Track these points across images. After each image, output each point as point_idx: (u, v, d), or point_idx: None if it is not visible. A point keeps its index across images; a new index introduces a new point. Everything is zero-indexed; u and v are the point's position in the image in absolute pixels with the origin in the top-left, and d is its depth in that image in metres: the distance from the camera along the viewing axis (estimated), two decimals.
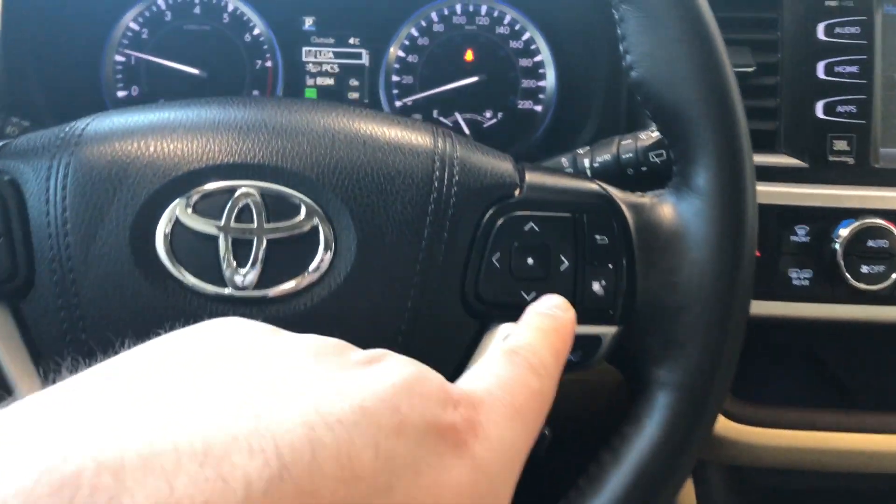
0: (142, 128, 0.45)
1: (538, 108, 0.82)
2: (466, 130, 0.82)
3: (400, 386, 0.25)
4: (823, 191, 0.69)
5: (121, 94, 0.81)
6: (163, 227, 0.42)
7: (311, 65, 0.81)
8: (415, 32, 0.81)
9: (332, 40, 0.81)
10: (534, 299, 0.44)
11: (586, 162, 0.58)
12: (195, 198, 0.42)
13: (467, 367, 0.43)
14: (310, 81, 0.82)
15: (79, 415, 0.20)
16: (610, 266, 0.44)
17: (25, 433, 0.19)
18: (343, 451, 0.21)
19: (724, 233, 0.44)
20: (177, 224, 0.42)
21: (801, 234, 0.69)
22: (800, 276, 0.69)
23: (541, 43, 0.81)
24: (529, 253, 0.44)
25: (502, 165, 0.46)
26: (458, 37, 0.82)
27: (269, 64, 0.81)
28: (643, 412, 0.45)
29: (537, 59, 0.81)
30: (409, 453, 0.23)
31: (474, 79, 0.81)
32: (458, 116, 0.82)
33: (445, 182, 0.44)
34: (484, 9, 0.81)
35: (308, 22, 0.81)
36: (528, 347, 0.33)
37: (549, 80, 0.81)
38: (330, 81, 0.82)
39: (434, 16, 0.81)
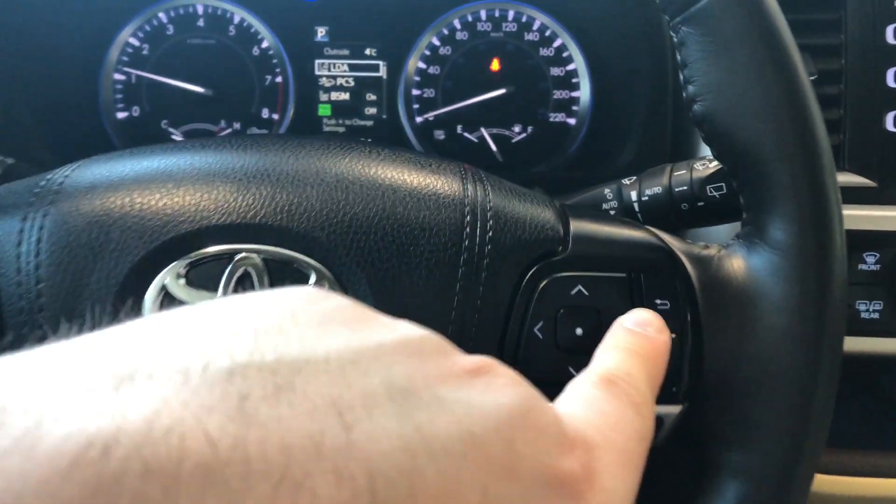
0: (127, 180, 0.39)
1: (572, 121, 0.75)
2: (493, 147, 0.75)
3: (515, 413, 0.21)
4: (894, 213, 0.61)
5: (121, 115, 0.75)
6: (151, 302, 0.36)
7: (324, 79, 0.75)
8: (436, 41, 0.75)
9: (346, 52, 0.75)
10: None
11: (633, 195, 0.51)
12: (187, 266, 0.37)
13: None
14: (323, 97, 0.75)
15: (127, 393, 0.16)
16: (673, 335, 0.38)
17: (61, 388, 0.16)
18: (447, 490, 0.18)
19: (807, 295, 0.37)
20: (167, 297, 0.37)
21: (870, 261, 0.62)
22: (869, 309, 0.62)
23: (574, 50, 0.74)
24: (578, 321, 0.38)
25: (544, 215, 0.40)
26: (484, 45, 0.75)
27: (279, 79, 0.75)
28: (710, 502, 0.38)
29: (570, 67, 0.75)
30: (520, 501, 0.20)
31: (501, 91, 0.74)
32: (485, 132, 0.75)
33: (478, 238, 0.38)
34: (511, 14, 0.75)
35: (320, 32, 0.75)
36: (626, 378, 0.29)
37: (584, 91, 0.74)
38: (345, 96, 0.75)
39: (457, 23, 0.75)
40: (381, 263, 0.37)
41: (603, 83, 0.74)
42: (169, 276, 0.37)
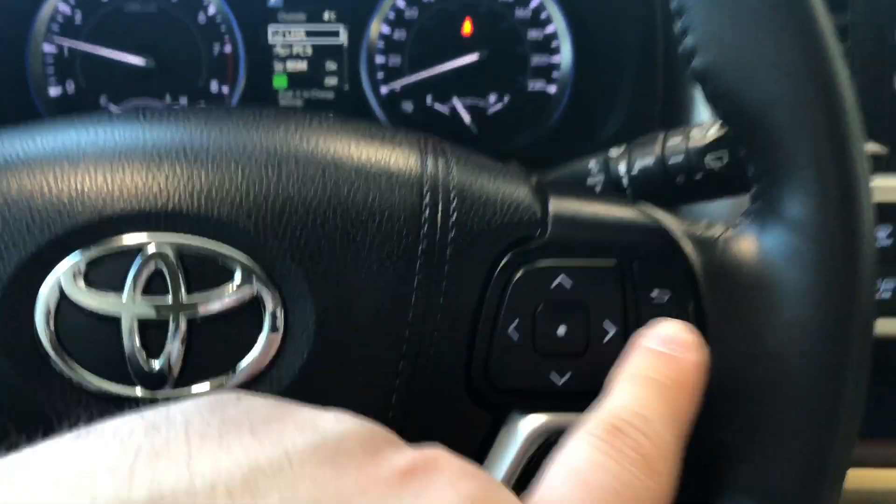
0: (14, 160, 0.32)
1: (552, 89, 0.69)
2: (467, 119, 0.69)
3: None
4: None
5: (53, 91, 0.68)
6: (43, 306, 0.30)
7: (278, 47, 0.68)
8: (401, 3, 0.68)
9: (302, 16, 0.68)
10: (568, 383, 0.32)
11: (622, 168, 0.45)
12: (86, 263, 0.30)
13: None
14: (278, 67, 0.69)
15: None
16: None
17: None
18: None
19: (831, 281, 0.31)
20: (63, 300, 0.30)
21: (882, 235, 0.57)
22: (880, 287, 0.57)
23: (553, 10, 0.68)
24: (560, 318, 0.32)
25: (518, 193, 0.34)
26: (454, 6, 0.69)
27: (228, 49, 0.68)
28: None
29: (549, 30, 0.68)
30: None
31: (474, 56, 0.68)
32: (457, 102, 0.69)
33: (439, 223, 0.32)
34: None
35: None
36: (638, 423, 0.23)
37: (565, 55, 0.68)
38: (302, 66, 0.69)
39: None
40: (321, 256, 0.30)
41: (585, 46, 0.68)
42: (65, 277, 0.30)
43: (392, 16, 0.68)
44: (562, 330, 0.31)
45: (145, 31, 0.67)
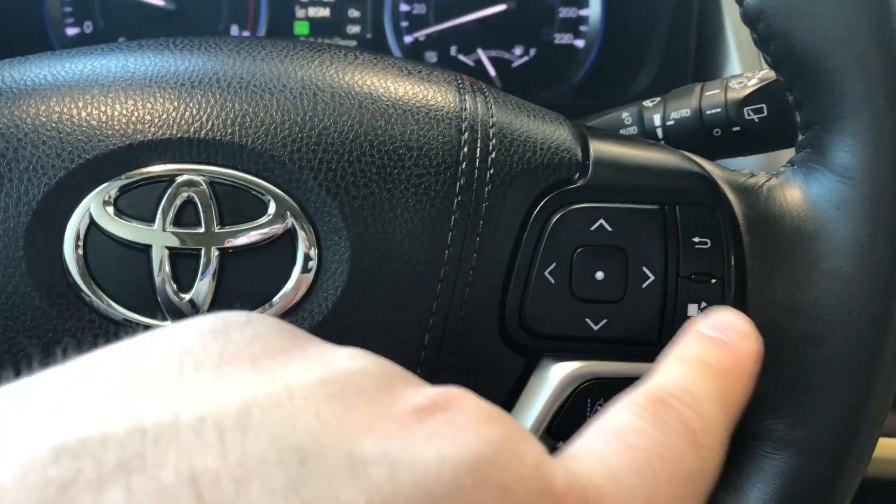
0: (43, 85, 0.31)
1: (579, 42, 0.67)
2: (492, 71, 0.68)
3: (465, 469, 0.15)
4: None
5: (71, 31, 0.67)
6: (73, 234, 0.29)
7: None
8: None
9: None
10: (603, 330, 0.31)
11: (656, 118, 0.44)
12: (116, 190, 0.29)
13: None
14: (300, 13, 0.67)
15: None
16: (713, 281, 0.31)
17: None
18: None
19: (880, 232, 0.30)
20: (92, 228, 0.29)
21: None
22: None
23: None
24: (598, 263, 0.31)
25: (558, 134, 0.33)
26: None
27: None
28: (748, 478, 0.32)
29: None
30: None
31: (501, 7, 0.66)
32: (482, 54, 0.67)
33: (478, 161, 0.31)
34: None
35: None
36: (685, 397, 0.21)
37: (594, 7, 0.66)
38: (325, 12, 0.67)
39: None
40: (357, 190, 0.30)
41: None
42: (94, 204, 0.29)
43: None
44: (600, 275, 0.31)
45: None
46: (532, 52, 0.67)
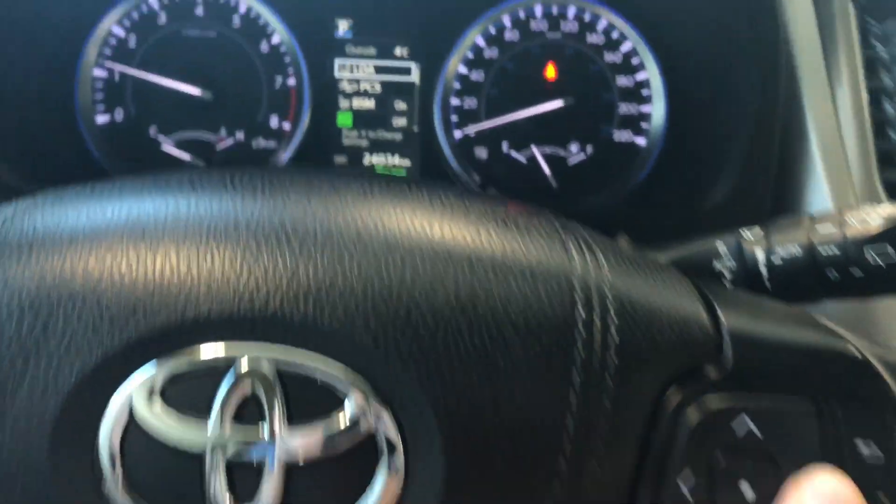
0: (82, 237, 0.26)
1: (640, 141, 0.63)
2: (547, 169, 0.63)
3: None
4: None
5: (101, 119, 0.63)
6: (108, 430, 0.24)
7: (345, 82, 0.63)
8: (481, 42, 0.63)
9: (372, 50, 0.63)
10: None
11: (759, 253, 0.39)
12: (164, 378, 0.24)
13: None
14: (344, 104, 0.63)
15: None
16: (884, 501, 0.25)
17: None
18: None
19: None
20: (133, 424, 0.24)
21: None
22: None
23: (646, 56, 0.62)
24: (745, 473, 0.25)
25: (685, 302, 0.28)
26: (537, 48, 0.63)
27: (291, 81, 0.63)
28: None
29: (641, 77, 0.63)
30: None
31: (557, 103, 0.62)
32: (536, 151, 0.63)
33: (598, 335, 0.26)
34: (572, 11, 0.62)
35: (342, 27, 0.63)
36: None
37: (657, 106, 0.62)
38: (370, 104, 0.63)
39: (506, 20, 0.62)
40: (453, 381, 0.24)
41: (681, 98, 0.61)
42: (138, 394, 0.24)
43: (471, 55, 0.63)
44: (748, 492, 0.25)
45: (203, 58, 0.62)
46: (589, 149, 0.63)
